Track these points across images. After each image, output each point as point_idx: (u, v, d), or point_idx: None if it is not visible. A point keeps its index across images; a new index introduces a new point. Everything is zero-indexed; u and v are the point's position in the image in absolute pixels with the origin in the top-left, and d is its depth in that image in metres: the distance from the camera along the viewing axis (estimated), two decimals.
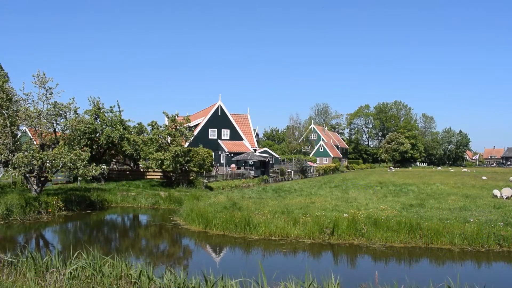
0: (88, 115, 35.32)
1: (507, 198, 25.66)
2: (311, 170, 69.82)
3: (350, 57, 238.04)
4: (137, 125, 39.60)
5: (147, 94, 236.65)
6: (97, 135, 35.66)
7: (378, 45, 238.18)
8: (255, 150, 62.34)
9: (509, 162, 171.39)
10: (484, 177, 54.20)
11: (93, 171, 25.06)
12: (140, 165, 38.12)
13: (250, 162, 54.92)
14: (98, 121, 36.18)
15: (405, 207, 21.49)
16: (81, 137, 28.49)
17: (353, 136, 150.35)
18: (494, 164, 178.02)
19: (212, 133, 62.05)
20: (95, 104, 36.54)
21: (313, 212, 19.25)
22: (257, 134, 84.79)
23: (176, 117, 36.60)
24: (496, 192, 26.98)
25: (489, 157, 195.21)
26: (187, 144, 44.98)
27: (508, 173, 72.16)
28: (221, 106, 62.69)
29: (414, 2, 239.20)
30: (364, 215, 17.89)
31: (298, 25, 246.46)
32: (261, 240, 16.77)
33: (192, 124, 54.90)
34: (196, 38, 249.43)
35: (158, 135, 34.97)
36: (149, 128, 37.51)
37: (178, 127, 36.11)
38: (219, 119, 62.41)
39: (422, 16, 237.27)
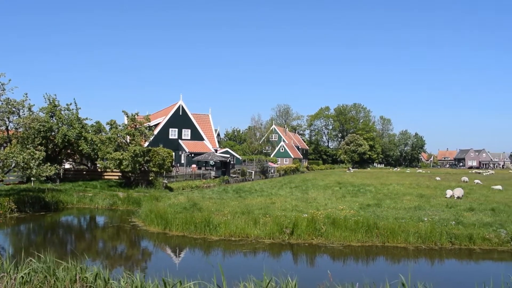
0: (43, 113, 34.08)
1: (459, 198, 26.68)
2: (272, 171, 70.19)
3: (311, 59, 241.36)
4: (95, 123, 38.55)
5: (106, 93, 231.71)
6: (52, 133, 34.44)
7: (338, 48, 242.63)
8: (216, 151, 62.06)
9: (461, 164, 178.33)
10: (437, 178, 56.17)
11: (48, 171, 24.24)
12: (97, 165, 37.14)
13: (211, 162, 54.63)
14: (53, 119, 34.95)
15: (362, 207, 21.97)
16: (36, 135, 27.49)
17: (313, 137, 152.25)
18: (447, 166, 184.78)
19: (173, 133, 61.33)
20: (51, 101, 35.27)
21: (273, 213, 19.36)
22: (218, 135, 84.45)
23: (135, 116, 35.94)
24: (448, 192, 28.02)
25: (443, 159, 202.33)
26: (146, 143, 44.36)
27: (460, 174, 75.07)
28: (182, 106, 62.05)
29: (373, 4, 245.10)
30: (323, 215, 18.16)
31: (260, 26, 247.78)
32: (221, 240, 16.71)
33: (152, 123, 54.09)
34: (157, 37, 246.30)
35: (117, 135, 34.20)
36: (107, 127, 36.58)
37: (137, 127, 35.47)
38: (180, 119, 61.75)
39: (381, 19, 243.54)
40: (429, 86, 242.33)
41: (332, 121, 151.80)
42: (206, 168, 54.56)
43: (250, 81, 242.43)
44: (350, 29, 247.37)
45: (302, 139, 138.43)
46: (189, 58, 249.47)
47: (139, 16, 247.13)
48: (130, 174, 34.61)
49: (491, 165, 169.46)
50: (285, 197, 27.63)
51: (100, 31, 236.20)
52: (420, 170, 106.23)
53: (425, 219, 17.74)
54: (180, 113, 61.88)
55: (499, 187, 36.01)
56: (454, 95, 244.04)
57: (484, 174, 78.02)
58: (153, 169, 35.21)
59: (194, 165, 54.17)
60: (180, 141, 61.09)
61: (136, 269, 12.80)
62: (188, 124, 62.27)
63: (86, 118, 37.21)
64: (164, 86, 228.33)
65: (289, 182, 44.36)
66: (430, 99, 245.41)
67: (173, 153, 45.81)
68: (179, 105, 61.98)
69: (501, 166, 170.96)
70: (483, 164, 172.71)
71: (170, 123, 61.21)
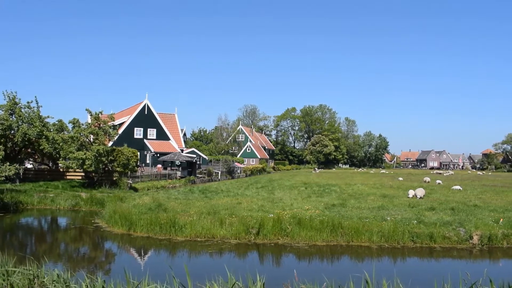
0: (2, 111, 32.89)
1: (420, 198, 27.38)
2: (239, 171, 70.17)
3: (278, 61, 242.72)
4: (57, 122, 37.40)
5: (69, 91, 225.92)
6: (12, 132, 33.27)
7: (305, 49, 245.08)
8: (182, 151, 61.52)
9: (423, 164, 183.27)
10: (400, 178, 57.50)
11: (7, 171, 23.42)
12: (59, 164, 36.19)
13: (177, 162, 54.14)
14: (13, 117, 33.74)
15: (328, 207, 22.23)
16: None
17: (280, 138, 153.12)
18: (410, 166, 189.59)
19: (138, 133, 60.38)
20: (11, 99, 34.04)
21: (239, 213, 19.34)
22: (184, 134, 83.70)
23: (100, 115, 35.19)
24: (411, 192, 28.73)
25: (405, 160, 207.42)
26: (111, 143, 43.50)
27: (422, 174, 77.12)
28: (147, 105, 61.16)
29: (337, 10, 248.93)
30: (289, 215, 18.28)
31: (226, 28, 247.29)
32: (187, 241, 16.56)
33: (116, 122, 53.18)
34: (123, 35, 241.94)
35: (80, 133, 33.40)
36: (70, 126, 35.55)
37: (101, 126, 34.75)
38: (146, 118, 60.85)
39: (346, 23, 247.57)
40: (392, 89, 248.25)
41: (298, 122, 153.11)
42: (172, 168, 54.01)
43: (217, 81, 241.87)
44: (316, 32, 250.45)
45: (269, 140, 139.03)
46: (155, 58, 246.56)
47: (104, 15, 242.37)
48: (93, 174, 33.87)
49: (451, 166, 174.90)
50: (252, 197, 27.66)
51: (65, 27, 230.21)
52: (384, 171, 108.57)
53: (388, 218, 18.11)
54: (146, 112, 61.00)
55: (459, 187, 37.18)
56: (416, 97, 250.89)
57: (444, 174, 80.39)
58: (118, 169, 34.58)
59: (159, 165, 53.51)
60: (145, 140, 60.22)
61: (99, 271, 12.50)
62: (154, 123, 61.45)
63: (48, 117, 36.15)
64: (129, 85, 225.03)
65: (255, 183, 44.44)
66: (394, 101, 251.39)
67: (138, 153, 45.15)
68: (145, 104, 61.07)
69: (460, 166, 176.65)
70: (443, 165, 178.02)
71: (135, 123, 60.24)
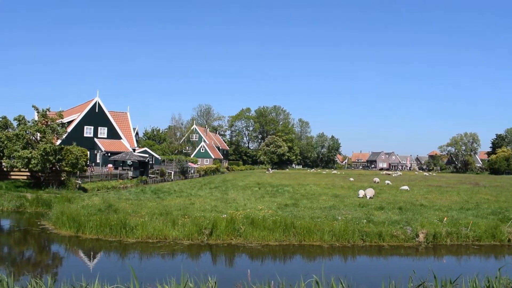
0: None
1: (370, 197, 28.16)
2: (192, 171, 69.57)
3: (233, 62, 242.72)
4: (1, 119, 35.68)
5: (15, 87, 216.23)
6: None
7: (259, 50, 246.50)
8: (134, 150, 60.23)
9: (373, 165, 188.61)
10: (351, 179, 58.95)
11: None
12: (3, 164, 34.52)
13: (129, 162, 52.97)
14: None
15: (280, 207, 22.43)
16: None
17: (234, 138, 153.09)
18: (360, 167, 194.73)
19: (88, 131, 58.52)
20: None
21: (192, 213, 19.18)
22: (137, 133, 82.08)
23: (47, 112, 33.84)
24: (361, 192, 29.48)
25: (356, 161, 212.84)
26: (59, 141, 41.96)
27: (372, 175, 79.37)
28: (98, 103, 59.39)
29: (289, 16, 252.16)
30: (242, 215, 18.30)
31: (180, 24, 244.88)
32: (138, 243, 16.22)
33: (65, 120, 51.19)
34: (74, 32, 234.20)
35: (26, 131, 31.98)
36: (15, 123, 33.97)
37: (49, 123, 33.45)
38: (96, 116, 59.05)
39: (297, 30, 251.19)
40: (345, 92, 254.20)
41: (253, 123, 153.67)
42: (123, 168, 52.79)
43: (171, 80, 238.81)
44: (270, 36, 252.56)
45: (223, 140, 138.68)
46: (107, 55, 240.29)
47: (54, 9, 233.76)
48: (39, 173, 32.54)
49: (400, 167, 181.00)
50: (205, 197, 27.51)
51: (9, 17, 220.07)
52: (336, 171, 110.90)
53: (339, 218, 18.49)
54: (97, 110, 59.22)
55: (406, 187, 38.53)
56: (367, 100, 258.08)
57: (393, 175, 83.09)
58: (66, 168, 33.41)
59: (110, 165, 52.17)
60: (95, 139, 58.48)
61: (45, 275, 12.02)
62: (105, 122, 59.76)
63: None
64: (79, 83, 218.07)
65: (209, 183, 44.22)
66: (346, 103, 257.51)
67: (88, 152, 43.87)
68: (96, 102, 59.28)
69: (408, 168, 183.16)
70: (392, 166, 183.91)
71: (85, 121, 58.34)
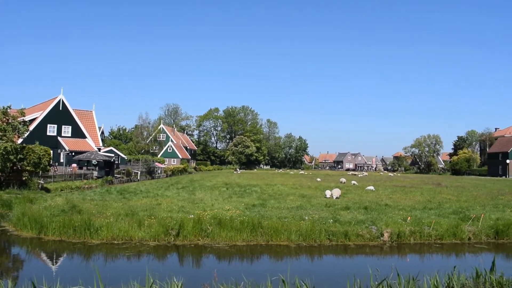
0: None
1: (337, 197, 28.53)
2: (159, 171, 68.80)
3: (202, 62, 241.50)
4: None
5: None
6: None
7: (229, 54, 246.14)
8: (99, 149, 59.04)
9: (339, 166, 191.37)
10: (318, 179, 59.60)
11: None
12: None
13: (94, 162, 51.87)
14: None
15: (248, 207, 22.43)
16: None
17: (202, 138, 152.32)
18: (327, 167, 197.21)
19: (51, 129, 56.97)
20: None
21: (159, 214, 18.95)
22: (102, 133, 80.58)
23: (8, 110, 32.77)
24: (327, 192, 29.83)
25: (324, 161, 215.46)
26: (20, 140, 40.72)
27: (339, 175, 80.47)
28: (62, 100, 57.90)
29: (256, 17, 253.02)
30: (210, 215, 18.20)
31: (148, 23, 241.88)
32: (103, 244, 15.89)
33: (28, 118, 49.68)
34: (39, 29, 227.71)
35: None
36: None
37: (10, 121, 32.40)
38: (60, 115, 57.54)
39: (265, 31, 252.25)
40: (313, 93, 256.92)
41: (221, 123, 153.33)
42: (88, 168, 51.66)
43: (138, 78, 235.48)
44: (237, 36, 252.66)
45: (191, 140, 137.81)
46: (72, 53, 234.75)
47: (23, 6, 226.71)
48: None
49: (366, 168, 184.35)
50: (172, 198, 27.24)
51: None
52: (303, 172, 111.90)
53: (306, 218, 18.64)
54: (60, 108, 57.74)
55: (371, 187, 39.22)
56: (334, 102, 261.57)
57: (359, 175, 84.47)
58: (28, 168, 32.44)
59: (74, 165, 50.98)
60: (59, 138, 57.01)
61: (6, 279, 11.62)
62: (69, 120, 58.33)
63: None
64: (43, 80, 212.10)
65: (176, 183, 43.82)
66: (314, 104, 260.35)
67: (51, 151, 42.73)
68: (60, 100, 57.78)
69: (374, 168, 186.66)
70: (358, 166, 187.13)
71: (48, 119, 56.78)
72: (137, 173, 58.09)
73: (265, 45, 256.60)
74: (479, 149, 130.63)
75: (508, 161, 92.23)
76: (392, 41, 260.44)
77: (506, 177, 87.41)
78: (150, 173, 63.18)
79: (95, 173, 48.88)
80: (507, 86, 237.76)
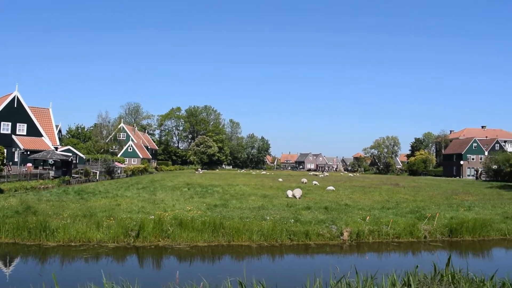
0: None
1: (298, 198, 28.82)
2: (119, 171, 67.45)
3: (164, 60, 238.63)
4: None
5: None
6: None
7: (192, 54, 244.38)
8: (56, 148, 57.26)
9: (301, 166, 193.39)
10: (280, 179, 60.02)
11: None
12: None
13: (50, 161, 50.28)
14: None
15: (210, 208, 22.35)
16: None
17: (163, 138, 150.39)
18: (289, 168, 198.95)
19: (5, 127, 54.73)
20: None
21: (118, 215, 18.61)
22: (60, 131, 78.17)
23: None
24: (289, 192, 30.09)
25: (286, 161, 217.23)
26: None
27: (300, 175, 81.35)
28: (17, 97, 55.73)
29: (220, 17, 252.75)
30: (171, 216, 18.04)
31: (109, 20, 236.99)
32: (59, 246, 15.42)
33: None
34: None
35: None
36: None
37: None
38: (15, 112, 55.35)
39: (229, 34, 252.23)
40: (275, 94, 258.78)
41: (183, 122, 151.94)
42: (44, 167, 50.02)
43: (98, 76, 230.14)
44: (200, 37, 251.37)
45: (152, 139, 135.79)
46: (29, 48, 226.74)
47: None
48: None
49: (326, 168, 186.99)
50: (132, 198, 26.79)
51: None
52: (265, 172, 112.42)
53: (268, 218, 18.74)
54: (15, 105, 55.55)
55: (332, 187, 39.87)
56: (296, 103, 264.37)
57: (320, 176, 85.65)
58: None
59: (30, 164, 49.22)
60: (13, 136, 54.88)
61: None
62: (24, 118, 56.21)
63: None
64: None
65: (136, 183, 43.13)
66: (276, 105, 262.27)
67: (5, 150, 41.13)
68: (14, 96, 55.58)
69: (334, 169, 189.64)
70: (320, 167, 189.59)
71: (2, 116, 54.48)
72: (96, 173, 56.71)
73: (229, 46, 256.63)
74: (435, 150, 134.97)
75: (462, 162, 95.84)
76: (350, 44, 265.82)
77: (460, 177, 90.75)
78: (110, 173, 61.83)
79: (52, 173, 47.38)
80: (462, 90, 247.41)
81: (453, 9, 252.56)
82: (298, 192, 29.76)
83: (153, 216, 17.79)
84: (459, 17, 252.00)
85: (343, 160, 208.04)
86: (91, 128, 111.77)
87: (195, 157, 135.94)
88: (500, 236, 18.92)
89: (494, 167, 72.89)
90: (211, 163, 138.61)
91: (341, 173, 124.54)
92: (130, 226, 16.56)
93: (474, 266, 10.67)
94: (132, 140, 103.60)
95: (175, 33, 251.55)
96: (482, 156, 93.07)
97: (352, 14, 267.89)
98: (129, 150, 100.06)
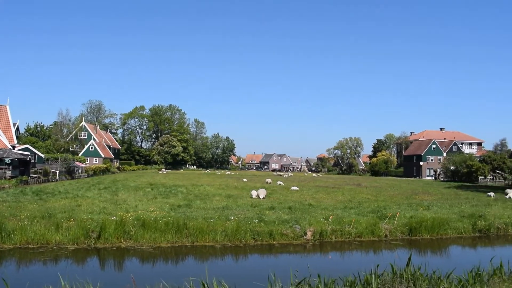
0: None
1: (263, 198, 28.93)
2: (80, 171, 65.85)
3: (126, 57, 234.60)
4: None
5: None
6: None
7: (155, 50, 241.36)
8: (14, 147, 55.32)
9: (266, 166, 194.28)
10: (245, 179, 60.06)
11: None
12: None
13: (7, 160, 48.50)
14: None
15: (173, 208, 22.13)
16: None
17: (126, 137, 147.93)
18: (254, 168, 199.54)
19: None
20: None
21: (78, 216, 18.14)
22: (17, 129, 75.34)
23: None
24: (253, 193, 30.18)
25: (250, 162, 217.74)
26: None
27: (265, 176, 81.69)
28: None
29: (184, 14, 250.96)
30: (133, 217, 17.75)
31: (70, 14, 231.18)
32: (16, 249, 14.89)
33: None
34: None
35: None
36: None
37: None
38: None
39: (200, 38, 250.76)
40: (240, 94, 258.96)
41: (147, 121, 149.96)
42: (0, 167, 48.21)
43: (58, 72, 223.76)
44: (162, 33, 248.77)
45: (115, 138, 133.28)
46: None
47: None
48: None
49: (291, 168, 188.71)
50: (93, 199, 26.19)
51: None
52: (229, 172, 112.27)
53: (232, 218, 18.72)
54: None
55: (296, 188, 40.23)
56: (261, 103, 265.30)
57: (284, 176, 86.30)
58: None
59: None
60: None
61: None
62: None
63: None
64: None
65: (98, 183, 42.22)
66: (241, 106, 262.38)
67: None
68: None
69: (299, 169, 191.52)
70: (284, 167, 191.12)
71: None
72: (56, 172, 55.12)
73: (195, 47, 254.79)
74: (396, 151, 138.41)
75: (421, 163, 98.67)
76: (316, 48, 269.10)
77: (419, 178, 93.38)
78: (70, 172, 60.24)
79: (8, 173, 45.74)
80: (422, 92, 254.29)
81: (408, 15, 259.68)
82: (262, 192, 29.87)
83: (115, 217, 17.45)
84: (418, 22, 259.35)
85: (307, 161, 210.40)
86: (51, 126, 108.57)
87: (159, 157, 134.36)
88: (457, 234, 19.62)
89: (452, 167, 75.53)
90: (175, 163, 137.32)
91: (305, 174, 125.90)
92: (91, 227, 16.17)
93: (433, 263, 11.01)
94: (94, 139, 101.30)
95: (140, 32, 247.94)
96: (441, 157, 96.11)
97: (310, 18, 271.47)
98: (90, 149, 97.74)
